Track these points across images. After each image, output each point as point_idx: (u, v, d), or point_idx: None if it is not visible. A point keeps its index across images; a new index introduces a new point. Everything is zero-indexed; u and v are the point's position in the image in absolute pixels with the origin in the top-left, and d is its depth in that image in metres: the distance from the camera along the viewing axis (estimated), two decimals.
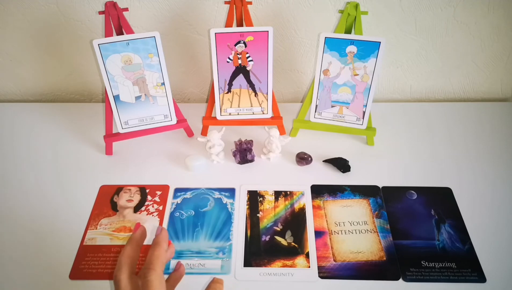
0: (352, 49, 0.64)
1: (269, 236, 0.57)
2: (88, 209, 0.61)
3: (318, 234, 0.58)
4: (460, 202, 0.61)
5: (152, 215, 0.60)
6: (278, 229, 0.58)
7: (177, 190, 0.64)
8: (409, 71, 0.82)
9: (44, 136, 0.75)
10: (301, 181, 0.65)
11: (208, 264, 0.54)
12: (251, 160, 0.68)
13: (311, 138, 0.72)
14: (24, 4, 0.73)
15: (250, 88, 0.69)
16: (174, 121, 0.70)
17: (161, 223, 0.59)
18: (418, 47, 0.78)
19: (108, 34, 0.62)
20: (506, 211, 0.60)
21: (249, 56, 0.66)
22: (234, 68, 0.67)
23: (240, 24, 0.67)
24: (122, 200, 0.62)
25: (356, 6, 0.63)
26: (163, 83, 0.66)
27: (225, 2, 0.68)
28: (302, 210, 0.60)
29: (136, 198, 0.63)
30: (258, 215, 0.60)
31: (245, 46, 0.65)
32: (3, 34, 0.77)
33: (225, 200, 0.62)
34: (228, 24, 0.66)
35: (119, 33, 0.64)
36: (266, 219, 0.59)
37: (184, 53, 0.80)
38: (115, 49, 0.62)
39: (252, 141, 0.68)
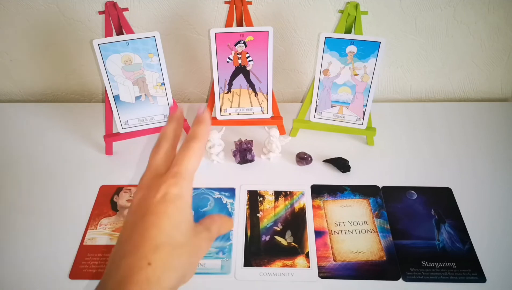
0: (352, 49, 0.64)
1: (269, 236, 0.57)
2: (88, 209, 0.61)
3: (318, 234, 0.58)
4: (460, 202, 0.61)
5: None
6: (278, 229, 0.58)
7: None
8: (409, 71, 0.82)
9: (44, 136, 0.75)
10: (301, 181, 0.65)
11: (208, 264, 0.54)
12: (251, 160, 0.68)
13: (311, 138, 0.72)
14: (24, 4, 0.73)
15: (250, 88, 0.69)
16: None
17: None
18: (418, 47, 0.78)
19: (108, 34, 0.62)
20: (506, 211, 0.60)
21: (249, 56, 0.66)
22: (234, 68, 0.67)
23: (240, 24, 0.67)
24: (122, 200, 0.62)
25: (356, 6, 0.63)
26: (163, 83, 0.66)
27: (225, 2, 0.68)
28: (302, 210, 0.60)
29: None
30: (258, 215, 0.60)
31: (245, 46, 0.65)
32: (3, 34, 0.77)
33: (225, 200, 0.62)
34: (228, 24, 0.66)
35: (119, 33, 0.64)
36: (266, 219, 0.59)
37: (184, 53, 0.80)
38: (115, 49, 0.62)
39: (252, 141, 0.68)
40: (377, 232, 0.58)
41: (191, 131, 0.36)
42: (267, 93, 0.69)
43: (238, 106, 0.70)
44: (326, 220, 0.59)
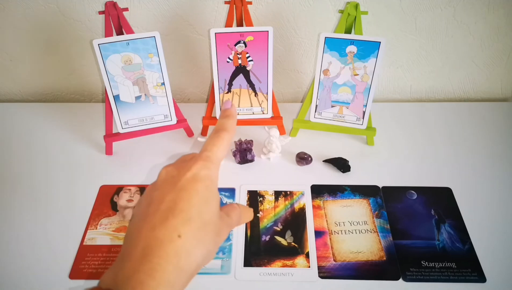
0: (352, 49, 0.64)
1: (269, 236, 0.57)
2: (88, 209, 0.61)
3: (318, 234, 0.58)
4: (460, 202, 0.61)
5: None
6: (278, 229, 0.58)
7: None
8: (409, 71, 0.82)
9: (44, 136, 0.75)
10: (301, 181, 0.65)
11: (208, 264, 0.54)
12: (251, 160, 0.68)
13: (311, 138, 0.72)
14: (24, 4, 0.73)
15: (250, 88, 0.69)
16: (174, 121, 0.70)
17: None
18: (418, 47, 0.78)
19: (108, 34, 0.62)
20: (506, 211, 0.60)
21: (249, 56, 0.66)
22: (234, 68, 0.67)
23: (240, 24, 0.67)
24: (122, 200, 0.62)
25: (356, 6, 0.63)
26: (163, 83, 0.66)
27: (225, 2, 0.68)
28: (302, 210, 0.60)
29: (136, 198, 0.63)
30: (258, 215, 0.60)
31: (245, 46, 0.65)
32: (3, 34, 0.77)
33: (225, 200, 0.62)
34: (228, 24, 0.66)
35: (119, 33, 0.64)
36: (266, 219, 0.59)
37: (184, 53, 0.80)
38: (115, 49, 0.62)
39: (252, 141, 0.68)
40: (377, 232, 0.58)
41: (219, 124, 0.38)
42: (267, 93, 0.69)
43: (238, 106, 0.70)
44: (326, 220, 0.59)
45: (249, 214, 0.40)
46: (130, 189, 0.64)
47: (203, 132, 0.74)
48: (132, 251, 0.29)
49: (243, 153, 0.67)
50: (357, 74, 0.65)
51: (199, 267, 0.31)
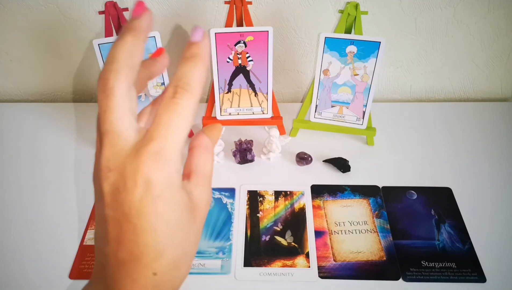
0: (352, 49, 0.64)
1: (269, 236, 0.57)
2: (88, 209, 0.61)
3: (318, 234, 0.58)
4: (460, 202, 0.61)
5: None
6: (278, 229, 0.58)
7: None
8: (409, 71, 0.82)
9: (44, 136, 0.74)
10: (301, 181, 0.65)
11: (208, 264, 0.54)
12: (251, 160, 0.68)
13: (311, 138, 0.72)
14: (24, 4, 0.73)
15: (250, 88, 0.69)
16: None
17: None
18: (418, 47, 0.78)
19: (108, 34, 0.62)
20: (506, 211, 0.60)
21: (249, 56, 0.66)
22: (234, 68, 0.67)
23: (240, 24, 0.67)
24: None
25: (356, 6, 0.62)
26: (163, 83, 0.66)
27: (225, 2, 0.68)
28: (302, 210, 0.60)
29: None
30: (258, 215, 0.60)
31: (245, 46, 0.65)
32: (3, 34, 0.77)
33: (225, 200, 0.62)
34: (228, 24, 0.66)
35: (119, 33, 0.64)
36: (266, 219, 0.59)
37: None
38: None
39: (252, 141, 0.68)
40: (377, 232, 0.58)
41: (179, 74, 0.24)
42: (267, 93, 0.69)
43: (238, 106, 0.70)
44: (326, 220, 0.59)
45: (216, 132, 0.29)
46: None
47: None
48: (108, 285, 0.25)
49: (243, 153, 0.67)
50: (357, 74, 0.65)
51: (186, 277, 0.26)
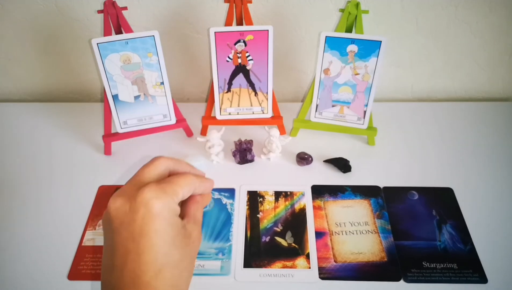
0: (353, 48, 0.64)
1: (269, 237, 0.57)
2: (86, 210, 0.61)
3: (319, 234, 0.57)
4: (462, 203, 0.61)
5: None
6: (278, 229, 0.58)
7: None
8: (410, 71, 0.82)
9: (42, 136, 0.74)
10: (301, 181, 0.65)
11: (208, 265, 0.54)
12: (251, 160, 0.67)
13: (312, 138, 0.72)
14: (22, 3, 0.72)
15: (250, 88, 0.69)
16: (173, 121, 0.69)
17: None
18: (419, 46, 0.78)
19: (107, 33, 0.62)
20: (507, 212, 0.60)
21: (249, 55, 0.66)
22: (234, 67, 0.67)
23: (240, 23, 0.67)
24: None
25: (357, 4, 0.62)
26: (162, 83, 0.66)
27: (225, 1, 0.67)
28: (303, 211, 0.60)
29: None
30: (258, 215, 0.60)
31: (245, 45, 0.65)
32: (1, 33, 0.76)
33: (224, 200, 0.62)
34: (228, 23, 0.66)
35: (118, 32, 0.63)
36: (266, 219, 0.59)
37: (184, 52, 0.79)
38: (114, 48, 0.62)
39: (252, 141, 0.68)
40: (378, 232, 0.57)
41: (194, 171, 0.37)
42: (267, 92, 0.69)
43: (238, 106, 0.70)
44: (327, 221, 0.59)
45: (209, 186, 0.37)
46: None
47: (203, 132, 0.73)
48: None
49: (243, 153, 0.67)
50: (358, 74, 0.65)
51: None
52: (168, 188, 0.30)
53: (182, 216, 0.33)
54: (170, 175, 0.34)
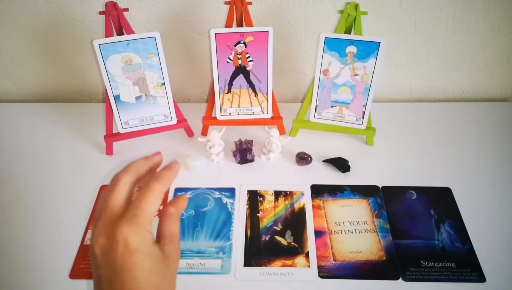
0: (352, 49, 0.64)
1: (269, 236, 0.57)
2: (88, 209, 0.61)
3: (318, 234, 0.58)
4: (460, 202, 0.61)
5: None
6: (278, 229, 0.58)
7: (177, 190, 0.64)
8: (408, 71, 0.82)
9: (44, 136, 0.75)
10: (301, 181, 0.65)
11: (208, 264, 0.54)
12: (251, 160, 0.68)
13: (311, 138, 0.72)
14: (24, 4, 0.73)
15: (250, 88, 0.69)
16: (174, 121, 0.70)
17: None
18: (417, 47, 0.78)
19: (108, 34, 0.62)
20: (506, 211, 0.60)
21: (249, 56, 0.66)
22: (234, 68, 0.67)
23: (240, 25, 0.67)
24: None
25: (356, 6, 0.63)
26: (163, 83, 0.66)
27: (225, 3, 0.68)
28: (302, 210, 0.61)
29: None
30: (258, 215, 0.60)
31: (245, 46, 0.65)
32: (3, 34, 0.77)
33: (225, 200, 0.62)
34: (228, 24, 0.66)
35: (120, 33, 0.64)
36: (266, 219, 0.60)
37: (184, 53, 0.80)
38: (115, 49, 0.62)
39: (252, 141, 0.68)
40: (377, 232, 0.58)
41: (156, 173, 0.37)
42: (267, 93, 0.69)
43: (238, 106, 0.70)
44: (326, 220, 0.59)
45: (182, 203, 0.38)
46: None
47: (203, 132, 0.74)
48: None
49: (243, 153, 0.67)
50: (357, 74, 0.66)
51: None
52: (140, 219, 0.33)
53: (158, 237, 0.35)
54: (136, 185, 0.37)
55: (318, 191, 0.63)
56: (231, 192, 0.63)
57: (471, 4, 0.72)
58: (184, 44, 0.78)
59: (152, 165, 0.39)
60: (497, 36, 0.76)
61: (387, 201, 0.62)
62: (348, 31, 0.65)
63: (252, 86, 0.69)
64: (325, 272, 0.53)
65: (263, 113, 0.71)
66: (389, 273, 0.53)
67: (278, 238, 0.57)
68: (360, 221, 0.59)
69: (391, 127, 0.75)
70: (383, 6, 0.72)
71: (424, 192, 0.63)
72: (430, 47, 0.78)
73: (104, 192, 0.36)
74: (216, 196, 0.63)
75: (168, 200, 0.62)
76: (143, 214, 0.33)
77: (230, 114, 0.71)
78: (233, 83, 0.68)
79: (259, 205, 0.61)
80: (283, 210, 0.61)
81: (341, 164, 0.66)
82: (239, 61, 0.67)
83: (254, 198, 0.62)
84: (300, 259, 0.55)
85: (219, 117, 0.71)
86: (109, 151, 0.70)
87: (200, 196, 0.63)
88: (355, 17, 0.63)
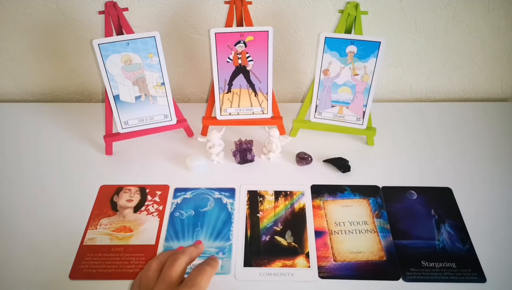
0: (352, 49, 0.64)
1: (269, 236, 0.57)
2: (88, 209, 0.61)
3: (318, 234, 0.58)
4: (460, 202, 0.61)
5: (152, 215, 0.60)
6: (278, 229, 0.58)
7: (177, 190, 0.64)
8: (409, 71, 0.82)
9: (44, 136, 0.74)
10: (301, 181, 0.65)
11: None
12: (251, 160, 0.68)
13: (311, 138, 0.72)
14: (24, 4, 0.73)
15: (250, 88, 0.69)
16: (174, 121, 0.70)
17: (161, 223, 0.59)
18: (418, 47, 0.78)
19: (108, 34, 0.62)
20: (506, 211, 0.60)
21: (249, 56, 0.66)
22: (234, 68, 0.67)
23: (240, 24, 0.67)
24: (122, 200, 0.62)
25: (356, 6, 0.63)
26: (163, 83, 0.66)
27: (225, 2, 0.68)
28: (302, 210, 0.60)
29: (136, 198, 0.63)
30: (258, 215, 0.60)
31: (245, 46, 0.65)
32: (3, 34, 0.77)
33: (225, 200, 0.62)
34: (228, 24, 0.66)
35: (119, 33, 0.64)
36: (266, 219, 0.59)
37: (184, 53, 0.80)
38: (115, 49, 0.62)
39: (252, 141, 0.68)
40: (377, 232, 0.58)
41: (207, 260, 0.50)
42: (267, 93, 0.69)
43: (238, 106, 0.70)
44: (326, 220, 0.59)
45: (197, 253, 0.51)
46: (130, 189, 0.64)
47: (203, 132, 0.74)
48: None
49: (243, 153, 0.67)
50: (357, 74, 0.65)
51: None
52: (196, 285, 0.44)
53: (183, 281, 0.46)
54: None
55: (318, 191, 0.63)
56: (231, 192, 0.63)
57: (471, 4, 0.72)
58: (184, 44, 0.78)
59: (199, 253, 0.52)
60: (497, 36, 0.76)
61: (387, 201, 0.62)
62: (348, 31, 0.65)
63: (252, 86, 0.69)
64: (325, 273, 0.53)
65: (263, 113, 0.71)
66: (389, 274, 0.53)
67: (278, 238, 0.57)
68: (361, 221, 0.59)
69: (392, 127, 0.75)
70: (383, 6, 0.72)
71: (425, 192, 0.63)
72: (430, 46, 0.78)
73: (166, 266, 0.46)
74: (216, 196, 0.63)
75: (168, 199, 0.62)
76: (198, 286, 0.44)
77: (230, 114, 0.71)
78: (233, 83, 0.68)
79: (259, 205, 0.61)
80: (283, 210, 0.61)
81: (341, 164, 0.66)
82: (239, 61, 0.67)
83: (254, 198, 0.62)
84: (300, 259, 0.55)
85: (219, 117, 0.71)
86: (108, 151, 0.70)
87: (200, 196, 0.63)
88: (355, 17, 0.63)
